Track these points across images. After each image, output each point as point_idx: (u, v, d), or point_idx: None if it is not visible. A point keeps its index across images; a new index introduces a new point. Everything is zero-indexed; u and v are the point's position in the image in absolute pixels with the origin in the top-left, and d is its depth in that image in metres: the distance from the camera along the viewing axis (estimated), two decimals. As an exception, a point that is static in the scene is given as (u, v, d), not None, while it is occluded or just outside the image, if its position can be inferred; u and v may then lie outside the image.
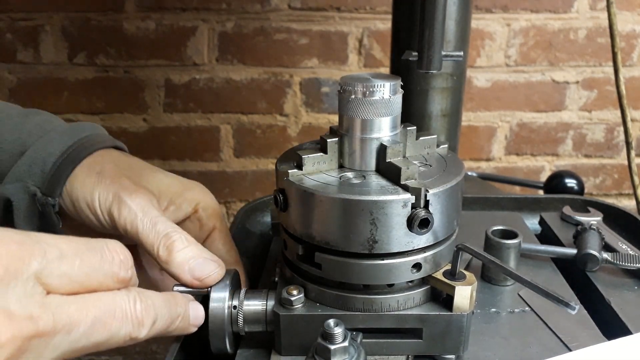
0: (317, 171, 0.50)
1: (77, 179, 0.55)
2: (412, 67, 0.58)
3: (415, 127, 0.54)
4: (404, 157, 0.51)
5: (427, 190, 0.46)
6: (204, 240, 0.61)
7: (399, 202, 0.46)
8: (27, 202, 0.55)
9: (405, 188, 0.47)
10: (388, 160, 0.49)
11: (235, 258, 0.62)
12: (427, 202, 0.47)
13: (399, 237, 0.47)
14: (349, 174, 0.50)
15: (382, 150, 0.50)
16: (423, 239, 0.48)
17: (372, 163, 0.51)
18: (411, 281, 0.50)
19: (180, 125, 1.49)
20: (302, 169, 0.49)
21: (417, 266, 0.49)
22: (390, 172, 0.49)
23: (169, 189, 0.59)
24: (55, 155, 0.55)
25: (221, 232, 0.61)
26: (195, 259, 0.50)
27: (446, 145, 0.56)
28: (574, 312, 0.45)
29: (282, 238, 0.53)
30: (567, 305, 0.45)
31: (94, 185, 0.54)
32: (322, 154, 0.50)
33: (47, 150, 0.55)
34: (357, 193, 0.46)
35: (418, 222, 0.46)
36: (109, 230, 0.54)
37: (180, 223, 0.59)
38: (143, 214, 0.52)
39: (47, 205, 0.55)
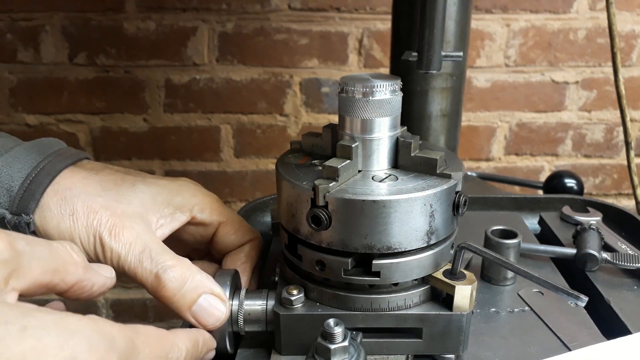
0: (347, 179, 0.49)
1: (49, 221, 0.50)
2: (412, 67, 0.58)
3: (405, 127, 0.54)
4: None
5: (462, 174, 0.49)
6: (211, 238, 0.60)
7: (452, 189, 0.48)
8: None
9: (447, 176, 0.49)
10: (413, 154, 0.50)
11: (250, 236, 0.60)
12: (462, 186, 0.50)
13: (448, 222, 0.50)
14: (380, 174, 0.50)
15: (403, 146, 0.50)
16: None
17: (391, 160, 0.51)
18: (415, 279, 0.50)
19: (180, 125, 1.49)
20: (337, 180, 0.47)
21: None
22: (420, 165, 0.50)
23: (155, 200, 0.54)
24: (25, 171, 0.51)
25: (227, 224, 0.59)
26: (196, 304, 0.49)
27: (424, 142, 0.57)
28: (583, 305, 0.47)
29: (314, 258, 0.50)
30: (577, 297, 0.46)
31: (70, 229, 0.50)
32: (349, 160, 0.49)
33: (12, 166, 0.51)
34: (413, 190, 0.47)
35: (463, 203, 0.49)
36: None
37: (181, 229, 0.56)
38: (126, 252, 0.49)
39: (21, 224, 0.50)
